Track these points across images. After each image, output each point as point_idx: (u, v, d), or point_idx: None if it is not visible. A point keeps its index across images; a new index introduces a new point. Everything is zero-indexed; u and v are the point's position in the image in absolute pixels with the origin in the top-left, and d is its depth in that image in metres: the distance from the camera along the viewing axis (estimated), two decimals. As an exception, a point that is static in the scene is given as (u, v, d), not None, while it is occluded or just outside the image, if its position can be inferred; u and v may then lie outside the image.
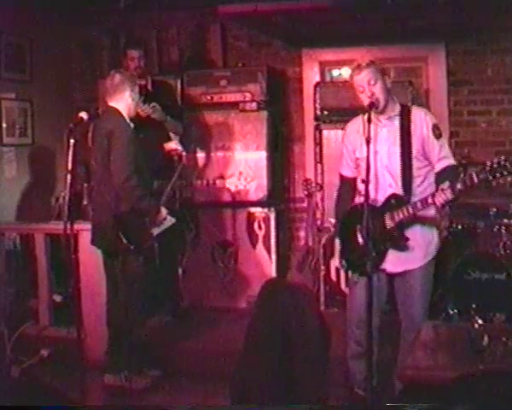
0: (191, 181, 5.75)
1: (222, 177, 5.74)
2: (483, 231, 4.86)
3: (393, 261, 3.70)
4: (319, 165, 5.64)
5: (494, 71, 5.66)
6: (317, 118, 5.60)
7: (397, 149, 3.67)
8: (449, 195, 3.39)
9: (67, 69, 6.15)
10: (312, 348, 2.59)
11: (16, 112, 5.77)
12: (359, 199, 3.80)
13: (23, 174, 5.83)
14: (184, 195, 5.72)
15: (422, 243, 3.73)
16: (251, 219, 5.72)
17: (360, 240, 3.71)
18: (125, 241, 4.18)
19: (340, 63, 6.15)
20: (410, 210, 3.57)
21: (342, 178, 3.99)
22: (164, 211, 4.38)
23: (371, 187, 3.62)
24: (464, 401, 2.19)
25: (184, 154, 4.79)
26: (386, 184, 3.69)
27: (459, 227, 4.91)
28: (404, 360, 3.35)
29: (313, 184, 5.32)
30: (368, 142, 3.46)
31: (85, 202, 5.43)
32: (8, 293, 5.23)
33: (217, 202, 5.76)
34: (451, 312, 4.66)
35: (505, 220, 4.76)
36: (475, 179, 3.33)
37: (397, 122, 3.69)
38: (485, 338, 3.03)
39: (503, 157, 3.30)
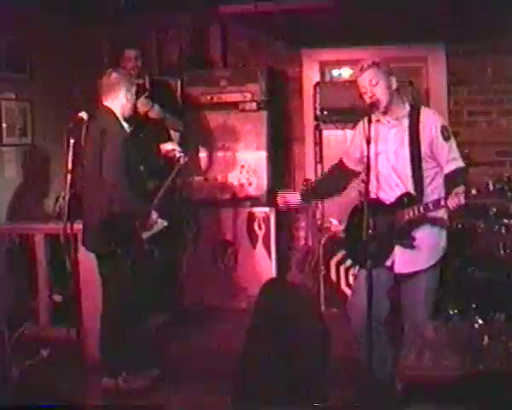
0: (191, 180, 5.75)
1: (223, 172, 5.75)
2: (483, 231, 4.86)
3: (402, 262, 3.69)
4: (319, 165, 5.64)
5: (494, 71, 5.65)
6: (316, 118, 5.60)
7: (405, 150, 3.66)
8: (462, 200, 3.36)
9: (67, 69, 6.14)
10: (312, 348, 2.59)
11: (16, 112, 5.76)
12: (361, 198, 3.80)
13: (23, 174, 5.82)
14: (185, 195, 5.72)
15: (431, 245, 3.71)
16: (251, 218, 5.72)
17: (363, 235, 3.70)
18: (112, 244, 4.14)
19: (340, 63, 6.15)
20: (422, 210, 3.55)
21: (341, 162, 4.02)
22: (154, 215, 4.30)
23: (376, 186, 3.65)
24: (464, 401, 2.19)
25: (182, 155, 4.66)
26: (393, 184, 3.69)
27: (459, 227, 4.90)
28: (403, 360, 3.35)
29: (313, 184, 5.32)
30: (368, 142, 3.46)
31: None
32: (8, 293, 5.23)
33: (219, 198, 5.75)
34: (451, 312, 4.66)
35: (505, 220, 4.75)
36: (491, 188, 3.30)
37: (405, 123, 3.68)
38: (485, 338, 3.03)
39: None
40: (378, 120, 3.67)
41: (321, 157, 5.63)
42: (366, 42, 5.47)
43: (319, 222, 5.49)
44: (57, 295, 5.24)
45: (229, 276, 5.77)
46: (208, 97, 5.74)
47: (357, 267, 4.01)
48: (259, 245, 5.73)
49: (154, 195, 4.53)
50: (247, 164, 5.71)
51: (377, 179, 3.68)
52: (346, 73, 6.23)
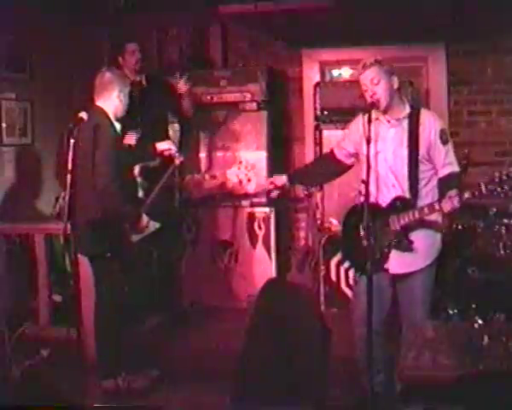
0: (191, 179, 5.74)
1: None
2: (483, 231, 4.86)
3: (397, 263, 3.70)
4: (319, 165, 5.64)
5: (494, 71, 5.65)
6: (317, 118, 5.60)
7: (403, 151, 3.66)
8: (456, 203, 3.41)
9: (67, 69, 6.14)
10: (312, 349, 2.59)
11: (16, 112, 5.76)
12: (360, 199, 3.80)
13: (23, 174, 5.82)
14: (184, 195, 5.71)
15: (426, 245, 3.73)
16: (251, 218, 5.72)
17: (363, 240, 3.71)
18: (101, 247, 4.13)
19: (340, 63, 6.15)
20: (416, 214, 3.58)
21: (332, 152, 4.04)
22: (145, 218, 4.27)
23: (374, 186, 3.65)
24: (464, 401, 2.19)
25: (177, 155, 4.61)
26: (390, 184, 3.69)
27: (459, 227, 4.90)
28: (403, 360, 3.35)
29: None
30: (368, 142, 3.46)
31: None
32: (8, 293, 5.23)
33: (219, 194, 5.75)
34: (451, 312, 4.66)
35: (505, 220, 4.75)
36: (484, 190, 3.35)
37: (405, 124, 3.68)
38: (485, 338, 3.03)
39: (511, 169, 3.32)
40: (377, 119, 3.67)
41: (321, 157, 5.63)
42: (366, 42, 5.47)
43: (319, 222, 5.49)
44: (57, 295, 5.25)
45: (229, 276, 5.77)
46: (208, 97, 5.74)
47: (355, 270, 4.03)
48: (259, 245, 5.73)
49: (147, 195, 4.53)
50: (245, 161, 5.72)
51: (375, 179, 3.68)
52: (346, 73, 6.23)
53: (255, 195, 5.67)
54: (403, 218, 3.60)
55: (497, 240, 4.78)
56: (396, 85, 3.68)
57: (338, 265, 5.33)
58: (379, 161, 3.66)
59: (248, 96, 5.70)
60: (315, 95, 5.58)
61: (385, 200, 3.68)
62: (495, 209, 4.78)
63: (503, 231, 4.79)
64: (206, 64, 6.15)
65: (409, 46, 5.72)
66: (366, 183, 3.45)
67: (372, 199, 3.60)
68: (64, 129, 4.12)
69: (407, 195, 3.65)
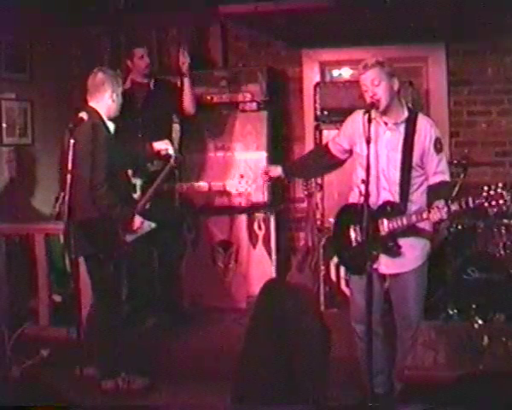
0: (191, 183, 5.72)
1: (222, 179, 5.73)
2: (483, 231, 4.86)
3: (387, 263, 3.73)
4: (319, 165, 5.64)
5: (494, 71, 5.65)
6: (317, 118, 5.59)
7: (397, 156, 3.68)
8: (444, 214, 3.47)
9: (67, 69, 6.15)
10: (312, 349, 2.58)
11: (16, 112, 5.77)
12: (354, 198, 3.82)
13: (23, 174, 5.83)
14: (184, 196, 5.70)
15: (415, 247, 3.76)
16: (251, 219, 5.72)
17: (353, 240, 3.75)
18: (92, 247, 4.12)
19: (340, 63, 6.15)
20: (405, 221, 3.62)
21: (326, 146, 4.06)
22: (138, 218, 4.25)
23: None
24: (464, 402, 2.19)
25: (173, 154, 4.58)
26: (381, 186, 3.72)
27: (459, 227, 4.91)
28: (403, 360, 3.36)
29: (313, 185, 5.32)
30: (368, 142, 3.47)
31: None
32: (8, 293, 5.23)
33: (217, 207, 5.73)
34: (451, 312, 4.67)
35: (505, 220, 4.75)
36: (471, 204, 3.43)
37: (402, 129, 3.69)
38: (485, 338, 3.03)
39: (500, 184, 3.36)
40: (375, 119, 3.68)
41: (321, 157, 5.62)
42: (366, 42, 5.47)
43: (319, 222, 5.49)
44: (57, 295, 5.25)
45: (229, 276, 5.77)
46: (208, 97, 5.73)
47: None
48: (259, 245, 5.73)
49: (143, 195, 4.52)
50: (247, 164, 5.70)
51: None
52: (346, 73, 6.23)
53: (254, 205, 5.64)
54: (391, 223, 3.64)
55: (497, 240, 4.79)
56: (396, 87, 3.68)
57: (338, 265, 5.33)
58: (372, 162, 3.67)
59: (248, 96, 5.70)
60: (315, 95, 5.58)
61: (375, 202, 3.69)
62: (495, 209, 4.78)
63: (503, 231, 4.79)
64: (206, 64, 6.15)
65: (409, 46, 5.72)
66: (366, 182, 3.46)
67: (363, 200, 3.61)
68: (64, 129, 4.12)
69: (397, 199, 3.67)
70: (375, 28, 5.41)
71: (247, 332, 2.66)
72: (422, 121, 3.71)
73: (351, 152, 3.90)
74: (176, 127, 5.66)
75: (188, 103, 5.17)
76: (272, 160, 5.77)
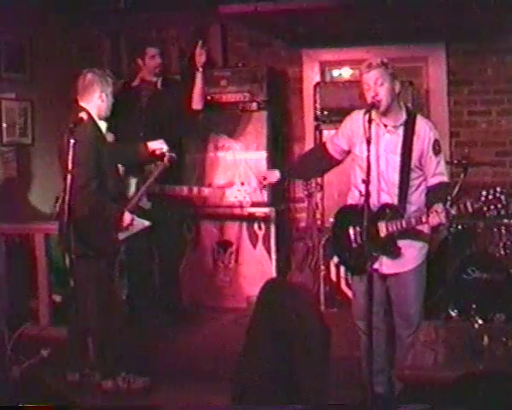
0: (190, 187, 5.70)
1: (223, 179, 5.73)
2: (483, 231, 4.86)
3: (387, 263, 3.74)
4: (319, 165, 5.63)
5: (494, 71, 5.65)
6: (317, 118, 5.60)
7: (396, 159, 3.69)
8: (443, 218, 3.49)
9: (67, 69, 6.15)
10: (312, 348, 2.59)
11: (16, 112, 5.77)
12: (353, 199, 3.83)
13: (23, 174, 5.83)
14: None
15: (415, 246, 3.78)
16: (251, 218, 5.71)
17: (353, 241, 3.76)
18: (81, 247, 4.10)
19: (340, 63, 6.15)
20: (404, 224, 3.64)
21: (324, 146, 4.05)
22: (128, 216, 4.24)
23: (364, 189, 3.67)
24: (464, 402, 2.19)
25: (168, 154, 4.55)
26: (380, 188, 3.72)
27: (459, 227, 4.91)
28: (403, 360, 3.36)
29: (313, 185, 5.33)
30: (368, 142, 3.47)
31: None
32: (8, 293, 5.23)
33: (217, 214, 5.73)
34: (451, 312, 4.67)
35: (505, 220, 4.75)
36: (470, 209, 3.45)
37: (400, 132, 3.70)
38: (485, 338, 3.04)
39: (498, 188, 3.39)
40: (374, 120, 3.68)
41: (321, 157, 5.62)
42: (366, 42, 5.47)
43: (319, 222, 5.49)
44: (57, 295, 5.25)
45: (229, 276, 5.77)
46: (208, 97, 5.72)
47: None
48: (259, 245, 5.73)
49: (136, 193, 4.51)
50: (247, 164, 5.70)
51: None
52: (346, 73, 6.23)
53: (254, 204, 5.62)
54: (391, 226, 3.66)
55: (497, 240, 4.79)
56: (397, 90, 3.70)
57: (338, 265, 5.33)
58: (372, 163, 3.67)
59: (248, 96, 5.70)
60: (315, 95, 5.58)
61: (375, 204, 3.69)
62: (495, 213, 4.77)
63: (503, 231, 4.79)
64: (206, 64, 6.14)
65: (409, 46, 5.72)
66: (366, 182, 3.46)
67: (362, 202, 3.62)
68: (64, 129, 4.13)
69: (396, 201, 3.68)
70: (375, 28, 5.41)
71: (248, 332, 2.66)
72: (421, 123, 3.72)
73: (348, 152, 3.90)
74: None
75: (197, 99, 5.14)
76: (272, 160, 5.77)
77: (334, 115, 5.40)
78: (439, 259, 4.74)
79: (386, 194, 3.72)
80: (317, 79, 5.97)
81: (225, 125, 5.76)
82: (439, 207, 3.50)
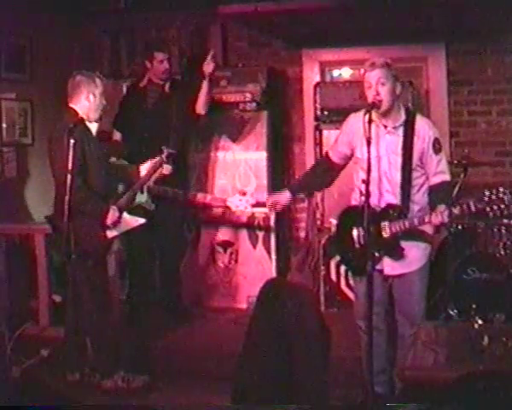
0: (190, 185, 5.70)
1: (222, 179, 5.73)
2: (483, 231, 4.86)
3: (392, 265, 3.74)
4: (319, 165, 5.64)
5: (494, 71, 5.65)
6: (317, 118, 5.59)
7: (397, 159, 3.70)
8: (446, 218, 3.51)
9: (67, 69, 6.14)
10: (312, 348, 2.59)
11: (16, 112, 5.76)
12: (356, 200, 3.82)
13: (22, 174, 5.82)
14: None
15: (419, 247, 3.79)
16: (251, 219, 5.71)
17: (356, 242, 3.76)
18: (67, 245, 4.08)
19: (340, 63, 6.14)
20: (407, 225, 3.65)
21: (327, 156, 4.04)
22: (114, 212, 4.24)
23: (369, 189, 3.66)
24: (464, 402, 2.19)
25: (166, 150, 4.56)
26: (384, 189, 3.73)
27: (459, 227, 4.91)
28: (404, 360, 3.36)
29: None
30: (369, 142, 3.47)
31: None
32: (8, 293, 5.23)
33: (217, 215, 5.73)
34: (451, 312, 4.66)
35: (505, 220, 4.75)
36: (473, 208, 3.47)
37: (401, 132, 3.71)
38: (485, 338, 3.04)
39: (501, 189, 3.39)
40: (374, 121, 3.68)
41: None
42: (366, 42, 5.47)
43: (319, 222, 5.48)
44: (57, 295, 5.24)
45: (229, 276, 5.77)
46: (208, 97, 5.72)
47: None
48: (259, 245, 5.72)
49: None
50: (247, 164, 5.70)
51: (372, 183, 3.70)
52: (346, 73, 6.23)
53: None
54: (394, 226, 3.67)
55: (497, 240, 4.79)
56: (398, 92, 3.70)
57: (338, 265, 5.33)
58: (374, 164, 3.67)
59: (248, 96, 5.70)
60: (315, 95, 5.57)
61: (378, 204, 3.70)
62: (497, 213, 4.77)
63: (503, 231, 4.79)
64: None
65: (409, 46, 5.72)
66: (366, 183, 3.46)
67: (364, 201, 3.62)
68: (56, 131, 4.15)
69: (399, 202, 3.69)
70: (375, 28, 5.41)
71: (248, 332, 2.66)
72: (421, 122, 3.73)
73: (351, 156, 3.90)
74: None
75: (201, 104, 5.15)
76: (272, 160, 5.78)
77: (334, 115, 5.41)
78: (439, 259, 4.74)
79: (391, 194, 3.72)
80: (317, 79, 5.97)
81: (225, 125, 5.76)
82: (441, 206, 3.51)
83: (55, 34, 6.05)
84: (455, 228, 4.89)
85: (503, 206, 3.40)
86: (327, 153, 4.11)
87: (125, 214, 4.34)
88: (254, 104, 5.70)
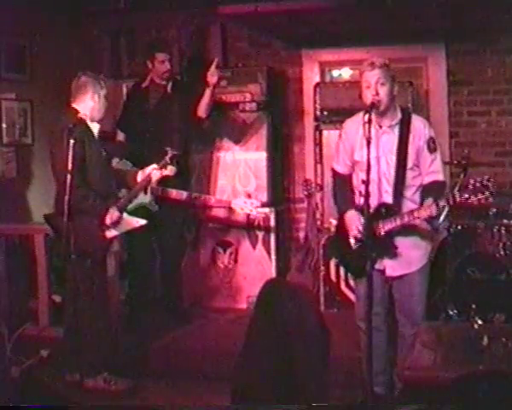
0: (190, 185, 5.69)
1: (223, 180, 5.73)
2: (483, 231, 4.86)
3: (392, 265, 3.74)
4: (319, 165, 5.64)
5: (494, 71, 5.65)
6: (316, 118, 5.60)
7: (393, 158, 3.72)
8: (433, 211, 3.52)
9: (67, 69, 6.14)
10: (312, 349, 2.59)
11: (16, 112, 5.76)
12: (357, 200, 3.82)
13: (23, 174, 5.82)
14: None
15: (420, 247, 3.79)
16: (251, 219, 5.71)
17: (353, 243, 3.76)
18: (66, 244, 4.08)
19: (340, 63, 6.15)
20: (398, 221, 3.65)
21: (335, 173, 4.02)
22: (114, 213, 4.23)
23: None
24: (464, 402, 2.19)
25: (170, 152, 4.52)
26: (383, 190, 3.74)
27: (459, 227, 4.91)
28: (403, 360, 3.36)
29: (313, 185, 5.33)
30: (368, 142, 3.47)
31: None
32: (8, 293, 5.23)
33: (217, 215, 5.73)
34: (451, 312, 4.67)
35: (505, 220, 4.75)
36: (457, 198, 3.47)
37: (396, 131, 3.71)
38: (485, 338, 3.04)
39: (486, 177, 3.40)
40: (371, 121, 3.67)
41: (321, 157, 5.63)
42: (366, 42, 5.47)
43: (319, 222, 5.49)
44: (57, 295, 5.24)
45: (229, 276, 5.77)
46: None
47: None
48: (259, 245, 5.72)
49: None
50: (246, 164, 5.70)
51: (372, 183, 3.69)
52: (346, 73, 6.24)
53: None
54: (386, 224, 3.66)
55: (497, 240, 4.79)
56: (395, 92, 3.73)
57: (338, 265, 5.33)
58: (372, 165, 3.66)
59: (248, 96, 5.70)
60: (315, 95, 5.58)
61: (373, 205, 3.69)
62: (495, 209, 4.78)
63: (503, 231, 4.79)
64: (206, 64, 6.13)
65: (409, 46, 5.72)
66: (366, 183, 3.46)
67: (361, 203, 3.62)
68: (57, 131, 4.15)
69: (393, 201, 3.68)
70: (375, 28, 5.41)
71: (248, 332, 2.66)
72: (416, 122, 3.75)
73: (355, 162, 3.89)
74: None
75: (203, 108, 5.15)
76: (272, 160, 5.78)
77: (334, 115, 5.41)
78: (438, 259, 4.74)
79: (386, 194, 3.73)
80: (317, 79, 5.97)
81: (225, 125, 5.77)
82: (429, 200, 3.54)
83: (55, 34, 6.05)
84: (455, 228, 4.90)
85: (487, 193, 3.41)
86: (332, 168, 4.05)
87: (126, 215, 4.34)
88: (254, 104, 5.70)
